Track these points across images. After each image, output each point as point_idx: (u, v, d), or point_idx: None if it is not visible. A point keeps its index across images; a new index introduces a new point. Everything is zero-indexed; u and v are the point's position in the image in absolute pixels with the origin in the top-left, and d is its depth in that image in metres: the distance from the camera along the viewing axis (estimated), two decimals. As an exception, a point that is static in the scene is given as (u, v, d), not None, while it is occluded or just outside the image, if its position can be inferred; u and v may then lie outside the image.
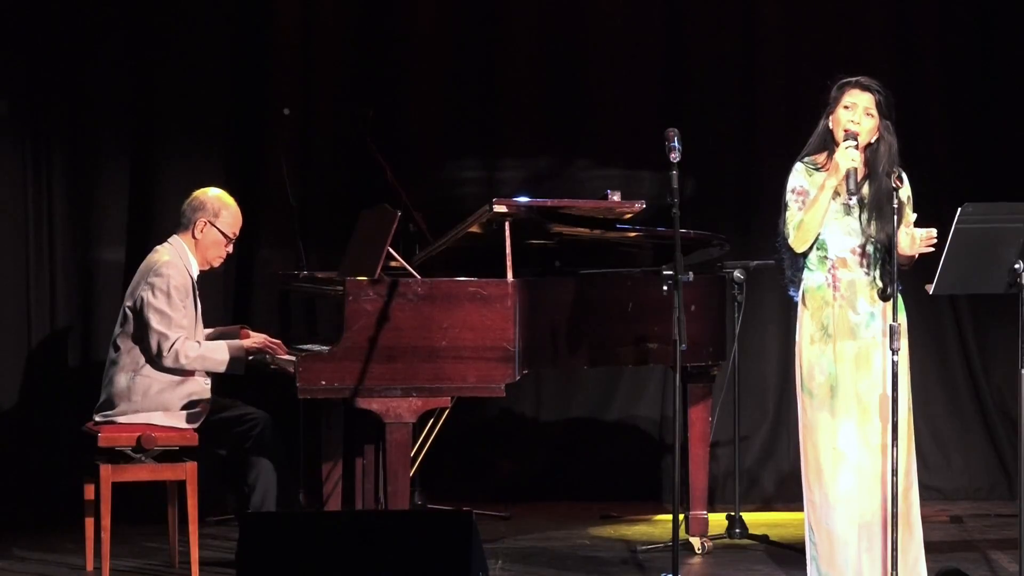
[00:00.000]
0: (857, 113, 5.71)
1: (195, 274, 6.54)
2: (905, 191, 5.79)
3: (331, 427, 7.16)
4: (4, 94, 7.75)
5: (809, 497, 5.79)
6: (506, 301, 6.15)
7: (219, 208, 6.57)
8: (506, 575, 6.64)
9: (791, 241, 5.78)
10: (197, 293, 6.55)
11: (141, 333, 6.40)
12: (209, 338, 6.62)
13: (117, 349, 6.47)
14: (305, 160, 8.31)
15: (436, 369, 6.11)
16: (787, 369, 8.08)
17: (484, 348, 6.13)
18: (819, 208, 5.71)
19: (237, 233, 6.63)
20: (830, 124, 5.78)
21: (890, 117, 5.78)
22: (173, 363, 6.34)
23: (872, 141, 5.76)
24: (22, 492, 7.65)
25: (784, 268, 5.92)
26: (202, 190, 6.64)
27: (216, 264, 6.64)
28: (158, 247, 6.57)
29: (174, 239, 6.57)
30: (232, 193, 8.10)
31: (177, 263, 6.46)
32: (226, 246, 6.61)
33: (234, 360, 6.41)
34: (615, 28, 8.52)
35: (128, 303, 6.48)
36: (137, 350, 6.41)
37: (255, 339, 6.53)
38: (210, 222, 6.54)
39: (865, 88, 5.74)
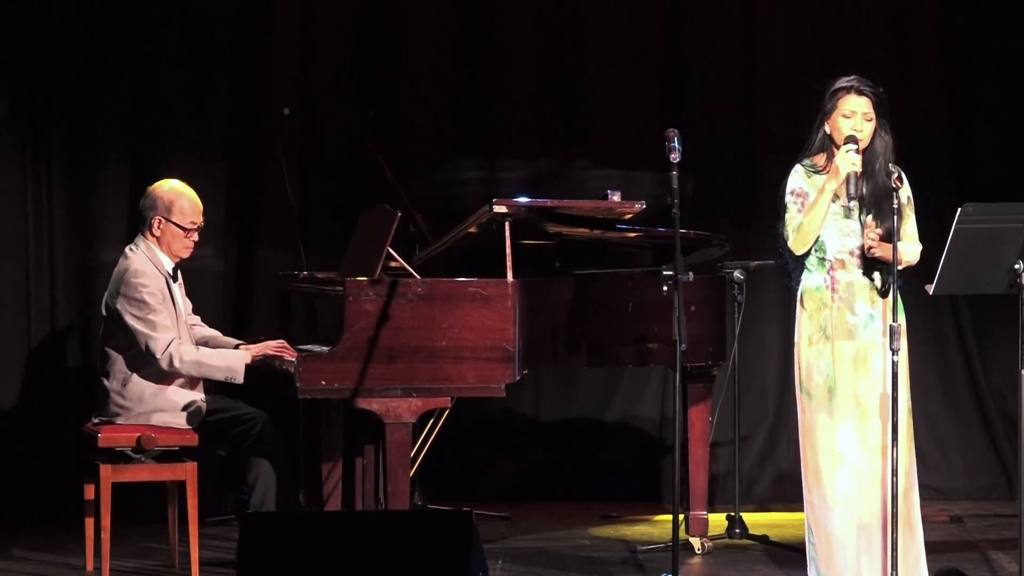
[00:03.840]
0: (858, 120, 5.71)
1: (169, 270, 6.50)
2: (905, 191, 5.79)
3: (331, 427, 7.16)
4: (4, 94, 7.75)
5: (808, 498, 5.79)
6: (506, 301, 6.15)
7: (171, 202, 6.46)
8: (506, 575, 6.64)
9: (790, 243, 5.78)
10: (176, 288, 6.51)
11: (127, 343, 6.38)
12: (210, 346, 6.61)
13: (106, 358, 6.45)
14: (305, 160, 8.31)
15: (436, 369, 6.11)
16: (787, 369, 8.07)
17: (484, 348, 6.13)
18: (819, 211, 5.71)
19: (198, 221, 6.51)
20: (828, 130, 5.78)
21: (886, 115, 5.78)
22: (168, 366, 6.32)
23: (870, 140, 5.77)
24: (22, 492, 7.65)
25: (789, 270, 5.92)
26: (156, 184, 6.57)
27: (184, 255, 6.55)
28: (127, 251, 6.50)
29: (139, 240, 6.51)
30: (232, 193, 8.15)
31: (146, 268, 6.40)
32: (187, 237, 6.50)
33: (233, 369, 6.37)
34: (615, 28, 8.52)
35: (104, 314, 6.46)
36: (125, 358, 6.40)
37: (259, 348, 6.47)
38: (163, 218, 6.47)
39: (860, 92, 5.73)
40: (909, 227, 5.83)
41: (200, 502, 6.34)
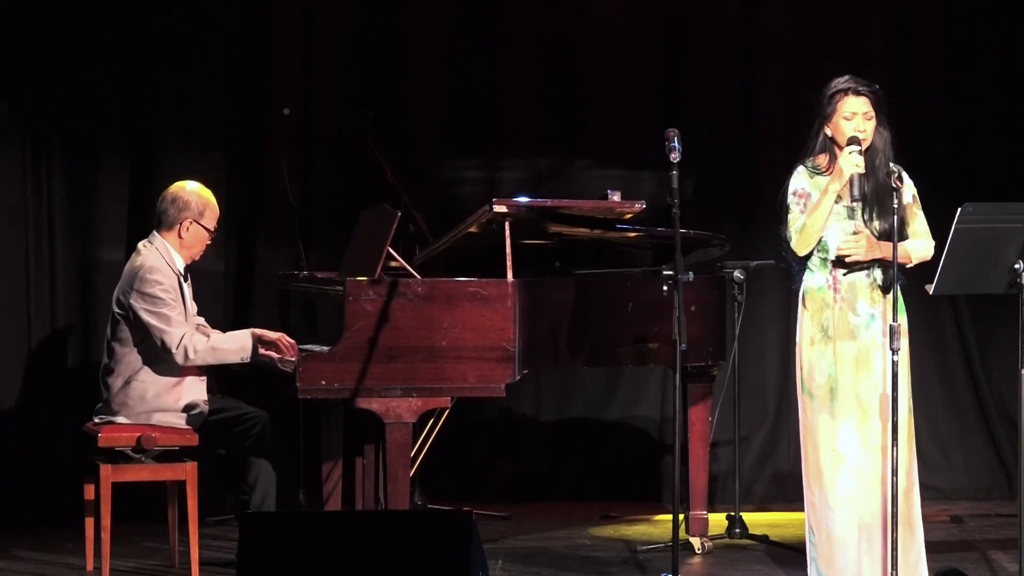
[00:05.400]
0: (859, 121, 5.71)
1: (181, 269, 6.53)
2: (910, 189, 5.79)
3: (331, 427, 7.16)
4: (4, 94, 7.75)
5: (809, 498, 5.79)
6: (506, 301, 6.15)
7: (203, 207, 6.54)
8: (506, 575, 6.64)
9: (793, 244, 5.77)
10: (186, 287, 6.53)
11: (137, 338, 6.39)
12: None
13: (112, 355, 6.46)
14: (305, 160, 8.31)
15: (436, 369, 6.11)
16: (787, 369, 8.08)
17: (484, 348, 6.13)
18: (822, 212, 5.70)
19: (217, 226, 6.63)
20: (829, 133, 5.77)
21: (883, 110, 5.78)
22: (183, 360, 6.33)
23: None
24: (22, 492, 7.65)
25: (792, 273, 5.91)
26: (178, 186, 6.60)
27: (198, 258, 6.62)
28: (140, 247, 6.53)
29: (156, 238, 6.53)
30: (232, 193, 8.16)
31: (161, 265, 6.43)
32: (208, 240, 6.60)
33: (244, 347, 6.37)
34: (615, 28, 8.52)
35: (117, 309, 6.47)
36: (131, 356, 6.40)
37: (270, 332, 6.48)
38: (195, 220, 6.52)
39: (858, 93, 5.72)
40: (918, 225, 5.83)
41: (200, 502, 6.34)
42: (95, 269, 7.88)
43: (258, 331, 6.45)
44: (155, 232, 6.56)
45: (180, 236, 6.52)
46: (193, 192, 6.57)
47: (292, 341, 6.43)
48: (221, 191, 7.97)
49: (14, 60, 7.78)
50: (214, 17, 8.14)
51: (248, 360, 6.38)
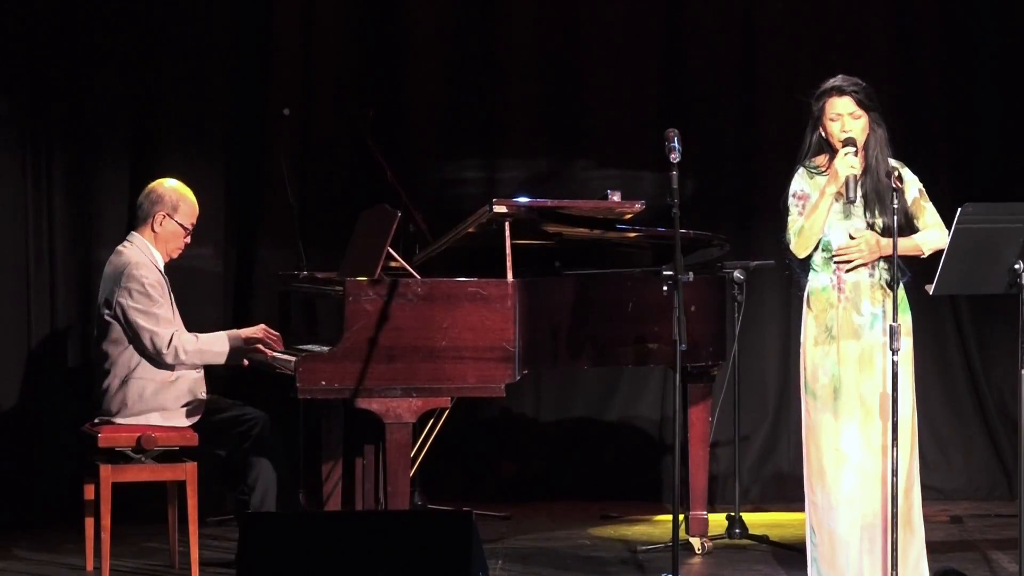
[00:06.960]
0: (845, 121, 5.71)
1: (162, 267, 6.52)
2: (914, 184, 5.79)
3: (331, 427, 7.16)
4: (4, 94, 7.75)
5: (811, 498, 5.79)
6: (506, 301, 6.15)
7: (177, 200, 6.52)
8: (506, 575, 6.64)
9: (792, 247, 5.77)
10: (169, 286, 6.53)
11: (129, 337, 6.38)
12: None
13: (105, 357, 6.44)
14: (305, 160, 8.32)
15: (436, 369, 6.12)
16: (787, 369, 8.08)
17: (484, 348, 6.14)
18: (820, 214, 5.70)
19: (194, 223, 6.60)
20: (822, 135, 5.78)
21: (877, 107, 5.77)
22: (173, 359, 6.33)
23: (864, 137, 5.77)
24: (22, 492, 7.65)
25: (796, 278, 5.91)
26: (158, 182, 6.61)
27: (175, 255, 6.60)
28: (120, 248, 6.53)
29: (134, 236, 6.53)
30: (232, 193, 8.16)
31: (144, 261, 6.43)
32: (184, 237, 6.57)
33: (233, 351, 6.39)
34: (615, 28, 8.53)
35: (106, 311, 6.45)
36: (125, 355, 6.39)
37: (253, 329, 6.49)
38: (168, 215, 6.50)
39: (841, 93, 5.73)
40: (928, 217, 5.81)
41: (200, 502, 6.34)
42: (95, 269, 7.86)
43: (234, 332, 6.45)
44: (133, 231, 6.56)
45: (154, 231, 6.51)
46: (169, 188, 6.56)
47: (276, 334, 6.44)
48: (221, 191, 8.02)
49: (14, 60, 7.77)
50: (214, 17, 8.14)
51: (238, 363, 6.38)
